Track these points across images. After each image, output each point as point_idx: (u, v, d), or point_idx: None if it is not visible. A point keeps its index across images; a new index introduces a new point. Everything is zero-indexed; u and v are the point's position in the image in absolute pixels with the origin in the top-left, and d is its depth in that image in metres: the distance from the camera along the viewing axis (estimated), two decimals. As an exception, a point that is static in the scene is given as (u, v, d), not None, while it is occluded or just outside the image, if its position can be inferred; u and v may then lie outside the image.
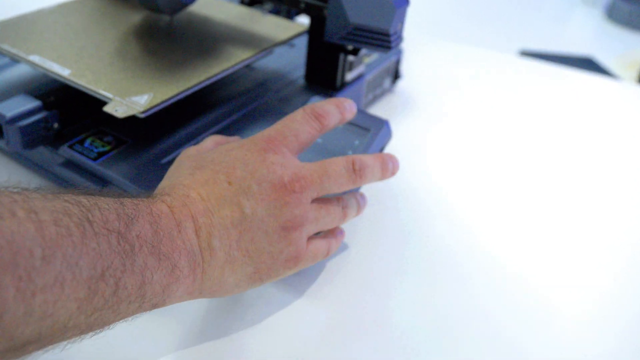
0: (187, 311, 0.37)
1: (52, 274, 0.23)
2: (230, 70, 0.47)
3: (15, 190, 0.25)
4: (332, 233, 0.39)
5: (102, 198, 0.28)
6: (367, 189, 0.50)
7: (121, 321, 0.28)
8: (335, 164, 0.35)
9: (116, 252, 0.26)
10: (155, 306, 0.29)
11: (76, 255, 0.24)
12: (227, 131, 0.47)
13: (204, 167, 0.34)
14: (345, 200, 0.38)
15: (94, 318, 0.26)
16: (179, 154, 0.44)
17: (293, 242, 0.33)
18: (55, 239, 0.23)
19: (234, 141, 0.36)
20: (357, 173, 0.36)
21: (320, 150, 0.44)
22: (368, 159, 0.37)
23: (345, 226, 0.46)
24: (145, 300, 0.28)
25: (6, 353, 0.23)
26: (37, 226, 0.23)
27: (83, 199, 0.27)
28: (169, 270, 0.29)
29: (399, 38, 0.49)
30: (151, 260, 0.28)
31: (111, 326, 0.28)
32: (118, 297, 0.26)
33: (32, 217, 0.23)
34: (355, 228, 0.46)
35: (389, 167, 0.39)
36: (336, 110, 0.38)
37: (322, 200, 0.36)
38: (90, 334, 0.27)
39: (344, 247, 0.44)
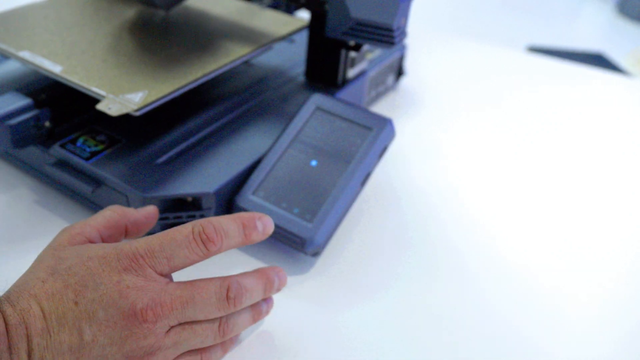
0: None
1: None
2: (228, 67, 0.47)
3: None
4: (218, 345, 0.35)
5: None
6: (369, 189, 0.50)
7: None
8: (205, 289, 0.32)
9: None
10: None
11: None
12: (224, 130, 0.47)
13: (57, 275, 0.31)
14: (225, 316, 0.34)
15: None
16: (174, 153, 0.44)
17: None
18: None
19: (98, 245, 0.33)
20: (231, 301, 0.33)
21: (321, 151, 0.44)
22: (249, 281, 0.34)
23: (347, 228, 0.46)
24: None
25: None
26: None
27: None
28: None
29: (403, 33, 0.49)
30: None
31: None
32: None
33: None
34: (357, 229, 0.46)
35: (274, 285, 0.36)
36: (238, 231, 0.34)
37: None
38: None
39: (345, 251, 0.44)
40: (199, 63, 0.46)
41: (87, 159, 0.43)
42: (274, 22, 0.55)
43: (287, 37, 0.54)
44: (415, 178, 0.52)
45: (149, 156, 0.44)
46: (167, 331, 0.31)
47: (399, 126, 0.60)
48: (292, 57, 0.59)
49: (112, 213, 0.36)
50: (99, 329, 0.30)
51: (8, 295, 0.30)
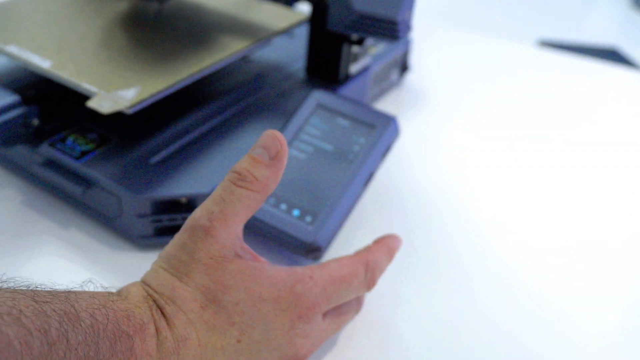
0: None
1: None
2: (225, 62, 0.47)
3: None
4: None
5: (79, 324, 0.26)
6: (372, 190, 0.50)
7: None
8: (350, 312, 0.36)
9: None
10: None
11: None
12: (221, 128, 0.47)
13: (220, 307, 0.30)
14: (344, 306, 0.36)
15: None
16: (168, 152, 0.44)
17: None
18: None
19: (267, 279, 0.32)
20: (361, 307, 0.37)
21: (323, 150, 0.44)
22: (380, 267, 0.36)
23: (349, 230, 0.46)
24: None
25: None
26: None
27: (54, 325, 0.25)
28: None
29: (408, 27, 0.49)
30: None
31: None
32: None
33: None
34: (360, 232, 0.46)
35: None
36: (387, 261, 0.37)
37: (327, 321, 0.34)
38: None
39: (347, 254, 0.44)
40: (194, 58, 0.46)
41: (77, 158, 0.43)
42: (273, 15, 0.55)
43: (287, 31, 0.54)
44: (420, 178, 0.52)
45: (142, 155, 0.44)
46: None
47: (403, 124, 0.60)
48: (291, 52, 0.60)
49: (253, 195, 0.32)
50: None
51: (161, 305, 0.30)
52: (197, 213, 0.32)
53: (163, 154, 0.44)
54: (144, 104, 0.41)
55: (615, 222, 0.50)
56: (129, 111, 0.40)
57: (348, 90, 0.55)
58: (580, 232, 0.48)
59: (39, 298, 0.26)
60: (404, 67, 0.66)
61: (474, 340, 0.38)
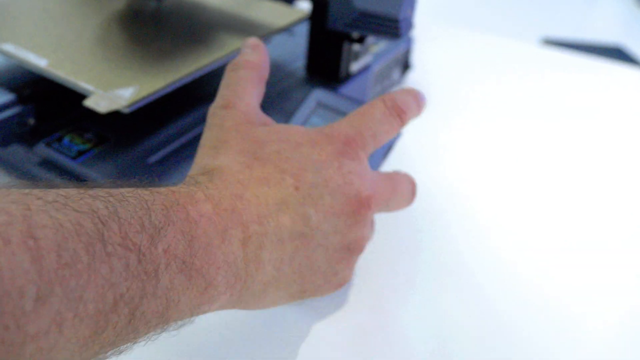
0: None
1: (48, 317, 0.20)
2: (224, 61, 0.47)
3: (23, 191, 0.22)
4: None
5: (126, 201, 0.25)
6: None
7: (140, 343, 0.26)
8: (404, 182, 0.35)
9: (134, 276, 0.23)
10: (181, 326, 0.27)
11: (80, 288, 0.21)
12: (219, 127, 0.47)
13: (265, 159, 0.30)
14: None
15: (103, 352, 0.24)
16: (166, 152, 0.44)
17: (350, 264, 0.33)
18: (55, 270, 0.20)
19: (296, 128, 0.33)
20: (415, 196, 0.37)
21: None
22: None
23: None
24: (168, 323, 0.26)
25: None
26: (35, 256, 0.20)
27: (101, 206, 0.23)
28: (200, 290, 0.26)
29: (409, 25, 0.49)
30: (180, 279, 0.25)
31: (127, 352, 0.25)
32: (134, 326, 0.24)
33: (30, 243, 0.20)
34: (361, 234, 0.46)
35: None
36: (415, 104, 0.36)
37: None
38: None
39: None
40: (193, 56, 0.46)
41: (74, 158, 0.43)
42: (273, 12, 0.55)
43: (287, 29, 0.53)
44: (422, 178, 0.52)
45: (140, 155, 0.44)
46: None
47: (405, 123, 0.60)
48: (291, 50, 0.59)
49: (249, 72, 0.36)
50: (325, 215, 0.30)
51: (208, 175, 0.29)
52: (213, 103, 0.34)
53: (161, 153, 0.44)
54: (142, 103, 0.41)
55: (617, 222, 0.50)
56: (127, 110, 0.40)
57: (349, 89, 0.55)
58: (582, 231, 0.48)
59: (80, 188, 0.25)
60: (405, 66, 0.66)
61: (475, 338, 0.38)
